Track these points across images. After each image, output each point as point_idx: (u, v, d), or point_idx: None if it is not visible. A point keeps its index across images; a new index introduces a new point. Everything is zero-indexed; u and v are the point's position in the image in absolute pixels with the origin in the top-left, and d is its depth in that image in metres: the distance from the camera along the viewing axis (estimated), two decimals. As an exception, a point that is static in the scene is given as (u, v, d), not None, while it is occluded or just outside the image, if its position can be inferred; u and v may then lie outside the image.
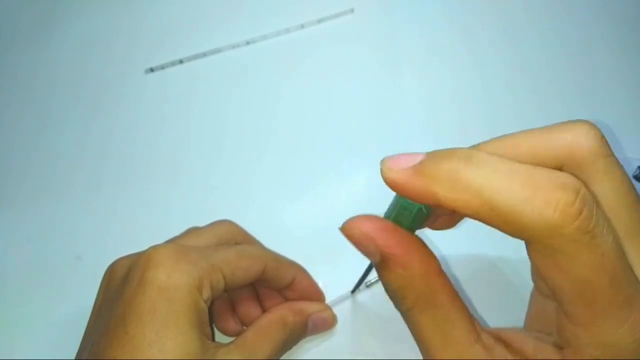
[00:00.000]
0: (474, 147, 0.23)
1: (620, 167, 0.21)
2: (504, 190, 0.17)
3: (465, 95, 0.45)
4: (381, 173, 0.20)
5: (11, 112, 0.45)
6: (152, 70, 0.46)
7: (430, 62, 0.46)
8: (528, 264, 0.21)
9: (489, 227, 0.18)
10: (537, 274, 0.20)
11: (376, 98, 0.45)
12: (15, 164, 0.43)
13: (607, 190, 0.20)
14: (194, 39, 0.47)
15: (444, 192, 0.18)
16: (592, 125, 0.21)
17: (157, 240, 0.39)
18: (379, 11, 0.48)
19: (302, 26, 0.47)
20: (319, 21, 0.47)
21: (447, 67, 0.46)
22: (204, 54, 0.46)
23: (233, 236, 0.32)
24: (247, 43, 0.47)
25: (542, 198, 0.17)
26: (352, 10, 0.48)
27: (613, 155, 0.21)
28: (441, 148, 0.44)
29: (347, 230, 0.21)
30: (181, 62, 0.46)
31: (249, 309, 0.31)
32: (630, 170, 0.41)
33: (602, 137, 0.21)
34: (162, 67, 0.46)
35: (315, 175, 0.42)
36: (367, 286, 0.28)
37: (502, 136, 0.23)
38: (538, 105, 0.45)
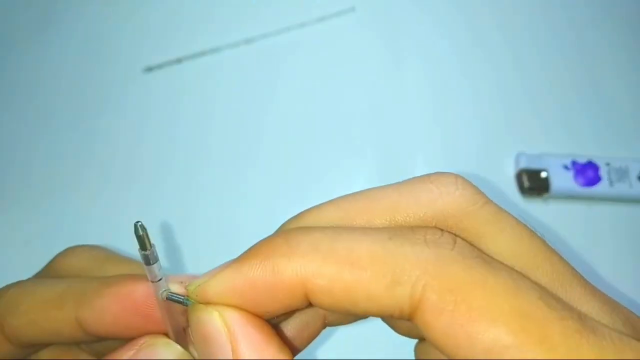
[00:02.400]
0: (318, 207, 0.19)
1: (505, 211, 0.18)
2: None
3: (469, 93, 0.45)
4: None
5: (8, 112, 0.44)
6: (150, 69, 0.45)
7: (433, 60, 0.46)
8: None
9: None
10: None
11: (378, 97, 0.44)
12: (13, 165, 0.42)
13: (501, 242, 0.17)
14: (192, 38, 0.46)
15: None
16: (456, 175, 0.18)
17: (155, 241, 0.39)
18: (381, 10, 0.47)
19: (303, 25, 0.47)
20: (320, 20, 0.47)
21: (450, 64, 0.46)
22: (203, 53, 0.46)
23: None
24: (247, 42, 0.46)
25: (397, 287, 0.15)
26: (353, 9, 0.47)
27: (491, 202, 0.18)
28: (444, 147, 0.43)
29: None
30: (179, 61, 0.45)
31: None
32: (635, 172, 0.41)
33: (472, 185, 0.18)
34: (160, 67, 0.45)
35: (315, 175, 0.41)
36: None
37: (354, 194, 0.19)
38: (540, 103, 0.45)
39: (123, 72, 0.45)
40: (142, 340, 0.18)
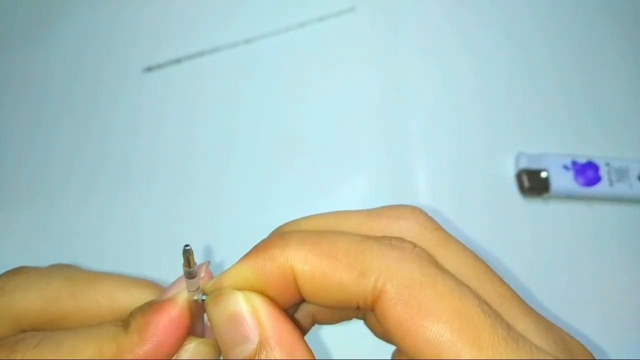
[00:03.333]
0: (297, 221, 0.22)
1: (453, 237, 0.21)
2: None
3: (469, 93, 0.45)
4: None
5: (6, 112, 0.44)
6: (149, 69, 0.45)
7: (432, 61, 0.46)
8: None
9: None
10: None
11: (377, 97, 0.44)
12: (11, 165, 0.42)
13: (449, 262, 0.20)
14: (192, 38, 0.46)
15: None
16: (414, 207, 0.21)
17: (154, 241, 0.39)
18: (380, 9, 0.47)
19: (302, 25, 0.47)
20: (319, 20, 0.47)
21: (450, 64, 0.46)
22: (203, 53, 0.46)
23: None
24: (246, 42, 0.46)
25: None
26: (353, 9, 0.47)
27: (442, 228, 0.21)
28: (444, 147, 0.43)
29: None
30: (179, 61, 0.45)
31: None
32: (635, 172, 0.41)
33: (427, 214, 0.21)
34: (160, 67, 0.45)
35: (314, 176, 0.41)
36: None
37: (327, 213, 0.22)
38: (540, 103, 0.44)
39: (123, 72, 0.45)
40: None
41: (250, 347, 0.18)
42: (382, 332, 0.23)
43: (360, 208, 0.22)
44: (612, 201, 0.41)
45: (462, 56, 0.46)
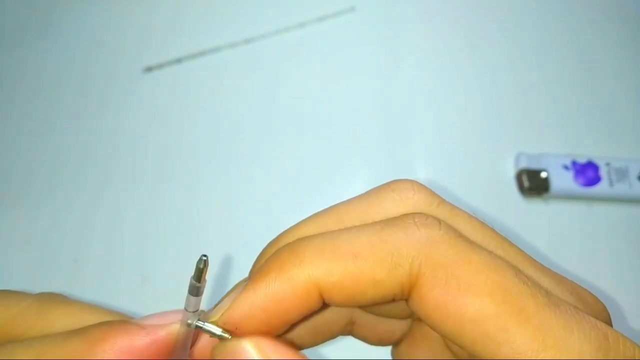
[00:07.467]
0: (297, 227, 0.20)
1: (458, 208, 0.20)
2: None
3: (469, 93, 0.45)
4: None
5: (8, 113, 0.44)
6: (150, 69, 0.45)
7: (433, 60, 0.46)
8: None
9: None
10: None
11: (378, 97, 0.44)
12: (12, 166, 0.42)
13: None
14: (192, 38, 0.46)
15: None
16: (411, 181, 0.20)
17: (153, 242, 0.39)
18: (380, 9, 0.47)
19: (302, 25, 0.47)
20: (320, 19, 0.47)
21: (450, 64, 0.46)
22: (202, 53, 0.46)
23: None
24: (246, 42, 0.46)
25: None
26: (353, 9, 0.47)
27: (445, 200, 0.20)
28: (444, 147, 0.43)
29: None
30: (179, 61, 0.45)
31: None
32: (635, 172, 0.41)
33: (426, 187, 0.20)
34: (160, 66, 0.45)
35: (315, 176, 0.41)
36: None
37: (326, 209, 0.20)
38: (540, 103, 0.45)
39: (123, 72, 0.45)
40: None
41: None
42: (379, 338, 0.23)
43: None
44: (612, 201, 0.41)
45: (462, 56, 0.46)
